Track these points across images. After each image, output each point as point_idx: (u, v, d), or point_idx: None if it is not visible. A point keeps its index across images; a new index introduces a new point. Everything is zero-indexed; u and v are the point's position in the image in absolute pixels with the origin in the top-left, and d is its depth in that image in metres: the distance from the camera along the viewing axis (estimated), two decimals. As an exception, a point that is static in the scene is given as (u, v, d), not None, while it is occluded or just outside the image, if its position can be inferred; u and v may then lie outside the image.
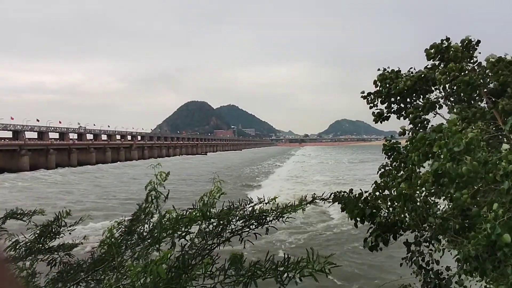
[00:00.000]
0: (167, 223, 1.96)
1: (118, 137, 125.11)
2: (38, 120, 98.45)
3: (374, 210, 5.37)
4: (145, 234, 2.15)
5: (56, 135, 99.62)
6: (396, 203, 5.31)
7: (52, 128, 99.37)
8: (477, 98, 5.99)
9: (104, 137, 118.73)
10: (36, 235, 2.59)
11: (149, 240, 2.05)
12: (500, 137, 5.23)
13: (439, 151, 4.15)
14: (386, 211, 5.37)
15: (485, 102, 5.89)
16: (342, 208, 5.55)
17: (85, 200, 36.71)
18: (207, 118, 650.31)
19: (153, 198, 2.02)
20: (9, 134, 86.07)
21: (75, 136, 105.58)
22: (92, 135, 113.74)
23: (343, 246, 17.47)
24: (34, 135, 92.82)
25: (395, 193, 5.28)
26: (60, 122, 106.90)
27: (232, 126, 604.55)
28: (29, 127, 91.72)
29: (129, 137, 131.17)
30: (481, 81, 5.79)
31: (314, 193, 2.68)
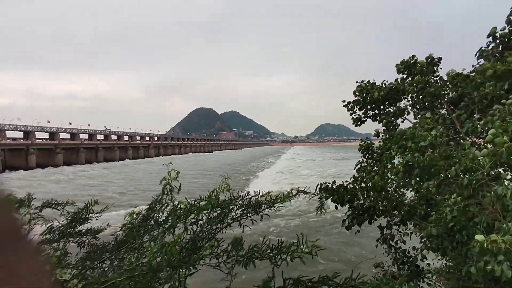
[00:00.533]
0: (179, 211, 1.96)
1: (138, 138, 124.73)
2: (70, 123, 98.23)
3: (353, 197, 5.39)
4: (161, 220, 2.15)
5: (86, 136, 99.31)
6: (371, 193, 5.32)
7: (82, 130, 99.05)
8: (438, 106, 6.01)
9: (126, 138, 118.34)
10: (68, 221, 2.58)
11: (164, 226, 2.04)
12: (458, 139, 5.25)
13: (412, 145, 4.18)
14: (362, 198, 5.39)
15: (445, 109, 5.91)
16: (325, 197, 5.54)
17: (126, 191, 35.50)
18: (212, 122, 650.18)
19: (168, 191, 2.01)
20: (46, 135, 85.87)
21: (102, 137, 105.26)
22: (116, 136, 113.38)
23: (332, 230, 17.50)
24: (67, 136, 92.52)
25: (370, 185, 5.29)
26: (89, 125, 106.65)
27: (234, 129, 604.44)
28: (63, 129, 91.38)
29: (147, 138, 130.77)
30: (443, 92, 5.82)
31: (299, 187, 2.69)
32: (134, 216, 2.22)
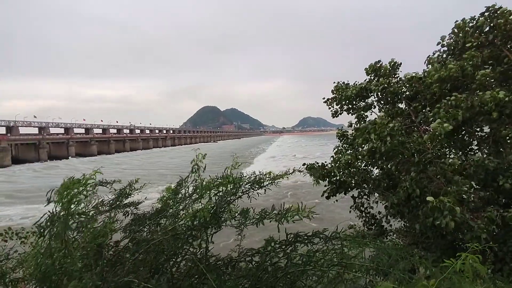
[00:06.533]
0: (205, 185, 2.04)
1: (157, 131, 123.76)
2: (102, 121, 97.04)
3: (331, 173, 5.52)
4: (190, 193, 2.22)
5: (115, 131, 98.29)
6: (345, 170, 5.45)
7: (112, 126, 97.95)
8: (398, 101, 6.11)
9: (147, 131, 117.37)
10: (115, 196, 2.64)
11: (193, 197, 2.13)
12: (413, 127, 5.37)
13: (374, 136, 4.28)
14: (338, 174, 5.51)
15: (403, 104, 6.01)
16: (310, 174, 5.66)
17: (164, 172, 35.70)
18: (217, 117, 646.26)
19: (195, 169, 2.09)
20: (82, 131, 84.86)
21: (128, 131, 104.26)
22: (139, 130, 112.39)
23: (315, 200, 17.67)
24: (99, 131, 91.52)
25: (344, 162, 5.41)
26: (117, 122, 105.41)
27: (234, 123, 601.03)
28: (96, 125, 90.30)
29: (164, 131, 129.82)
30: (401, 90, 5.90)
31: (294, 167, 2.74)
32: (170, 190, 2.31)
